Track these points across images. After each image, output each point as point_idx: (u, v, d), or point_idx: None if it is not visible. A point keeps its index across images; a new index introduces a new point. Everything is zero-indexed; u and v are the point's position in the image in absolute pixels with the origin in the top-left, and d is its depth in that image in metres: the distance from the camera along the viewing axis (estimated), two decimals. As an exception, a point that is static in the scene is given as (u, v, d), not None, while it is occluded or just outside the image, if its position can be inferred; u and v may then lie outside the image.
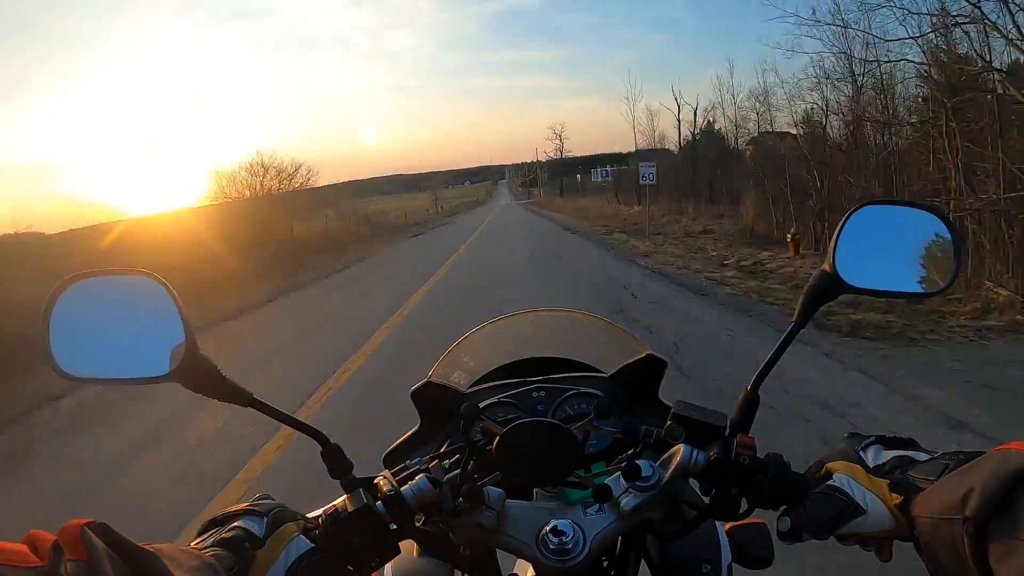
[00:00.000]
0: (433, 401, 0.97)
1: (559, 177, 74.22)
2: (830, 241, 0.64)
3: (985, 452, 0.49)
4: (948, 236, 0.64)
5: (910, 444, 0.61)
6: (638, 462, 0.64)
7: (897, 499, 0.55)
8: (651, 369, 0.98)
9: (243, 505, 0.62)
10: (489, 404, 0.95)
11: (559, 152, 66.47)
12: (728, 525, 0.84)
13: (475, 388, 1.03)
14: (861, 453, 0.61)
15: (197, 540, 0.57)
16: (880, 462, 0.59)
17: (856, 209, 0.65)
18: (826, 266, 0.64)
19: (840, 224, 0.64)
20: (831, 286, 0.64)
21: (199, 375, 0.60)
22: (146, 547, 0.44)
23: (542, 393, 0.97)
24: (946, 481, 0.50)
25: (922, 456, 0.58)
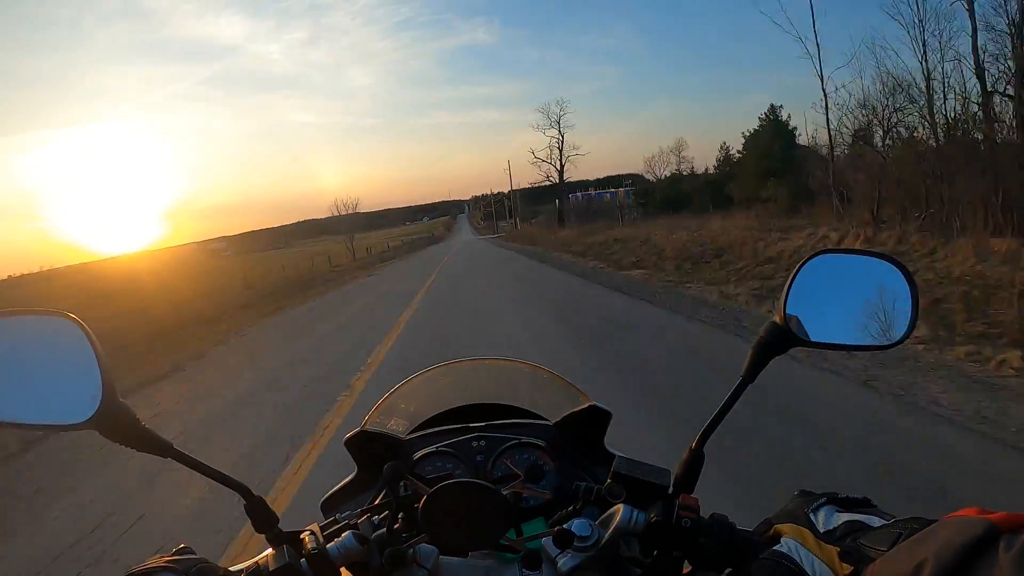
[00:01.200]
0: (369, 449, 0.95)
1: (529, 206, 67.85)
2: (781, 292, 0.62)
3: (938, 520, 0.48)
4: (905, 284, 0.63)
5: (864, 504, 0.59)
6: (574, 524, 0.63)
7: (847, 569, 0.53)
8: (595, 418, 0.97)
9: (162, 560, 0.59)
10: (426, 454, 0.93)
11: (555, 175, 49.87)
12: None
13: (414, 435, 1.00)
14: (811, 516, 0.59)
15: None
16: (831, 526, 0.57)
17: (809, 259, 0.64)
18: (776, 318, 0.62)
19: (792, 274, 0.63)
20: (781, 339, 0.62)
21: (117, 424, 0.59)
22: None
23: (482, 443, 0.95)
24: (898, 551, 0.48)
25: (875, 521, 0.56)
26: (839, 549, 0.54)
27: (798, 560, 0.55)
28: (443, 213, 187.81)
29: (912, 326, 0.62)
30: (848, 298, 0.64)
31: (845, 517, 0.57)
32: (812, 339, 0.62)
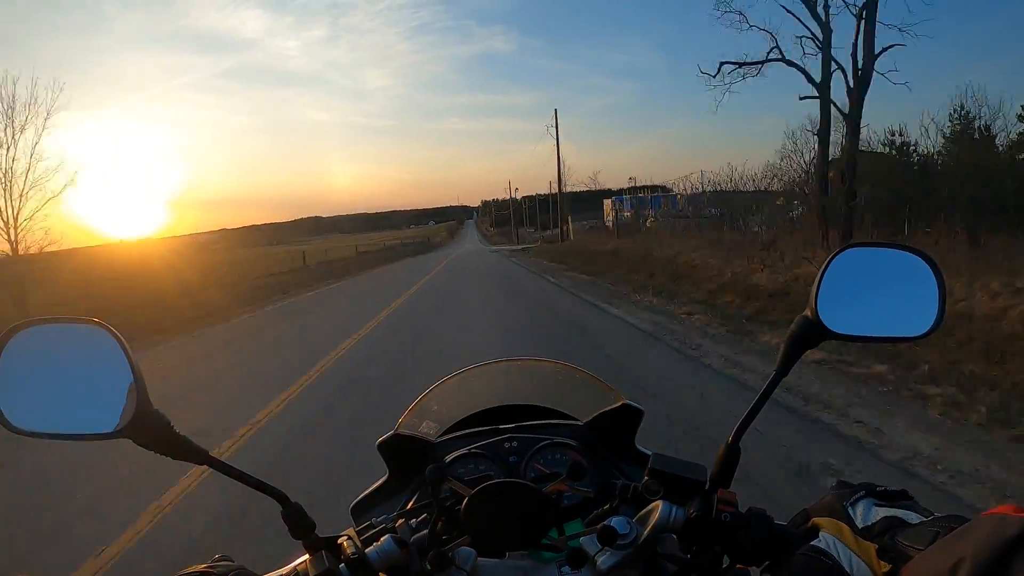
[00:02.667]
0: (401, 452, 0.97)
1: (547, 213, 56.70)
2: (812, 286, 0.65)
3: (975, 518, 0.49)
4: (932, 276, 0.65)
5: (901, 496, 0.61)
6: (614, 522, 0.63)
7: (885, 567, 0.54)
8: (627, 417, 0.98)
9: (201, 567, 0.61)
10: (458, 456, 0.95)
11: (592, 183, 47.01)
12: None
13: (445, 438, 1.02)
14: (850, 509, 0.61)
15: None
16: (869, 522, 0.59)
17: (839, 252, 0.66)
18: (808, 312, 0.64)
19: (822, 268, 0.65)
20: (813, 332, 0.64)
21: (151, 431, 0.59)
22: None
23: (514, 444, 0.96)
24: (935, 549, 0.50)
25: (913, 517, 0.57)
26: (877, 546, 0.56)
27: (836, 556, 0.57)
28: (450, 218, 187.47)
29: (941, 317, 0.64)
30: (877, 290, 0.66)
31: (883, 512, 0.59)
32: (842, 332, 0.64)
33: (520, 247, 42.14)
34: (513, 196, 75.10)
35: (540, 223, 66.29)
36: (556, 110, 42.91)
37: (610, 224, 42.85)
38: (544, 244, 39.15)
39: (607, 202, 49.89)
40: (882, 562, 0.55)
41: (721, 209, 23.06)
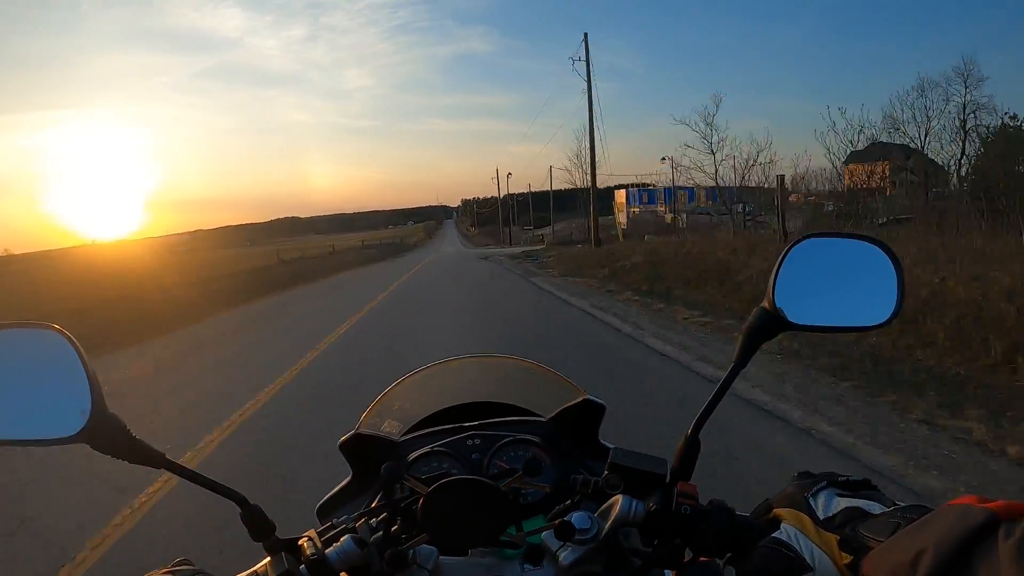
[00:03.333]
0: (363, 452, 0.97)
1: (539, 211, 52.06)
2: (770, 276, 0.65)
3: (937, 509, 0.49)
4: (891, 266, 0.65)
5: (864, 485, 0.61)
6: (573, 517, 0.64)
7: (847, 558, 0.55)
8: (589, 413, 0.99)
9: (161, 571, 0.62)
10: (421, 455, 0.95)
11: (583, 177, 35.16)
12: (675, 572, 0.84)
13: (408, 436, 1.03)
14: (811, 500, 0.61)
15: None
16: (830, 512, 0.59)
17: (796, 242, 0.66)
18: (765, 303, 0.65)
19: (779, 258, 0.65)
20: (771, 323, 0.64)
21: (108, 436, 0.60)
22: None
23: (477, 441, 0.97)
24: (897, 540, 0.50)
25: (875, 507, 0.58)
26: (839, 537, 0.56)
27: (797, 548, 0.57)
28: (430, 217, 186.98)
29: (899, 306, 0.65)
30: (835, 281, 0.67)
31: (845, 503, 0.59)
32: (800, 322, 0.64)
33: (520, 251, 31.81)
34: (502, 189, 64.12)
35: (532, 221, 60.93)
36: (586, 34, 27.87)
37: (624, 223, 38.94)
38: (559, 248, 30.42)
39: (619, 195, 44.93)
40: (844, 553, 0.55)
41: (747, 204, 22.24)
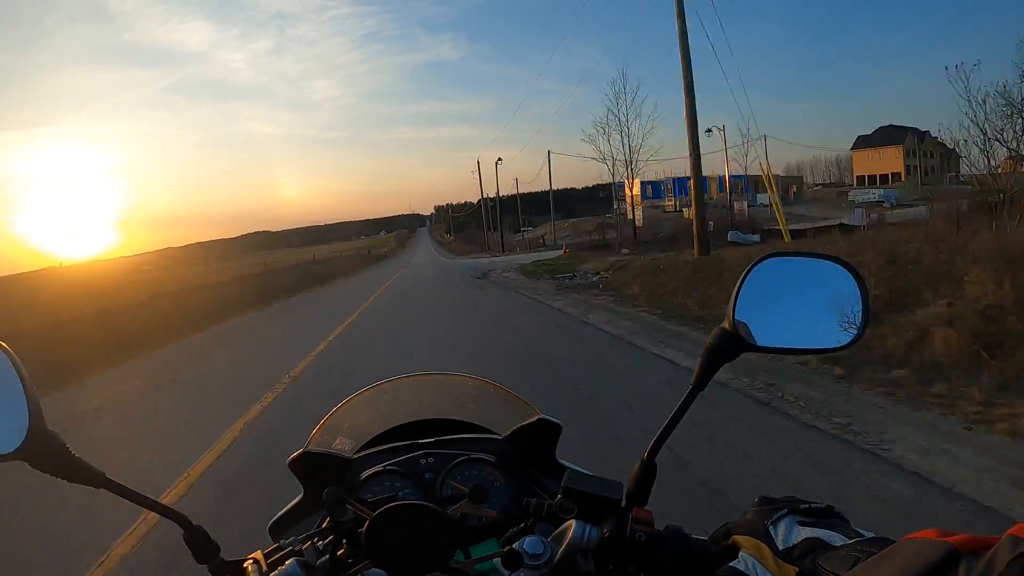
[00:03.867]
0: (314, 469, 0.96)
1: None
2: (729, 297, 0.64)
3: (896, 543, 0.48)
4: (855, 286, 0.65)
5: (827, 513, 0.60)
6: (525, 542, 0.63)
7: None
8: (545, 432, 0.99)
9: None
10: (373, 474, 0.94)
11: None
12: None
13: (361, 453, 1.02)
14: (771, 529, 0.60)
15: None
16: (790, 543, 0.58)
17: (757, 263, 0.65)
18: (726, 323, 0.64)
19: (740, 279, 0.64)
20: (730, 345, 0.64)
21: (46, 453, 0.60)
22: None
23: (431, 460, 0.96)
24: (856, 574, 0.49)
25: (836, 539, 0.57)
26: (798, 569, 0.55)
27: None
28: (403, 227, 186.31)
29: (864, 327, 0.64)
30: (798, 301, 0.66)
31: (805, 533, 0.58)
32: (761, 344, 0.64)
33: (530, 261, 22.03)
34: (481, 190, 53.24)
35: (520, 223, 54.59)
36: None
37: (640, 221, 34.08)
38: (597, 256, 20.48)
39: (633, 187, 36.96)
40: None
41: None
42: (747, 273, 0.64)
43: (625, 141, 28.48)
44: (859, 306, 0.64)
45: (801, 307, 0.66)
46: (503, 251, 39.84)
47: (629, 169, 27.52)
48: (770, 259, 0.66)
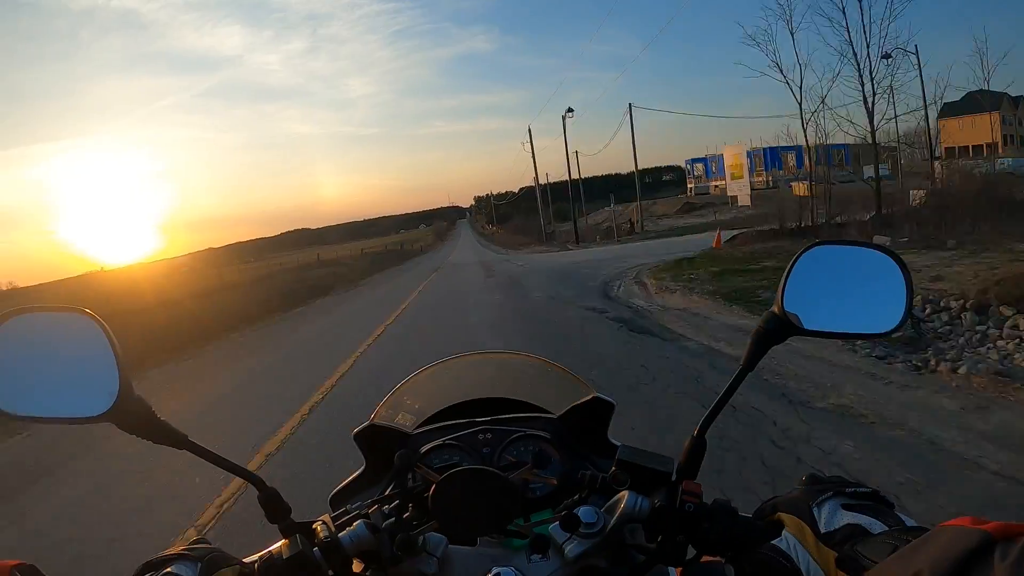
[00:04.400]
0: (377, 443, 1.02)
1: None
2: (779, 283, 0.68)
3: (932, 530, 0.50)
4: (899, 274, 0.68)
5: (871, 497, 0.63)
6: (579, 510, 0.67)
7: (842, 575, 0.56)
8: (599, 410, 1.03)
9: (177, 549, 0.64)
10: (432, 447, 1.00)
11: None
12: (679, 569, 0.87)
13: (421, 429, 1.08)
14: (815, 510, 0.62)
15: None
16: (832, 527, 0.60)
17: (805, 250, 0.69)
18: (775, 308, 0.67)
19: (789, 265, 0.68)
20: (780, 328, 0.67)
21: (133, 417, 0.64)
22: None
23: (488, 435, 1.01)
24: (893, 561, 0.51)
25: (876, 526, 0.59)
26: (837, 555, 0.58)
27: (795, 559, 0.60)
28: (443, 219, 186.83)
29: (907, 314, 0.67)
30: (844, 288, 0.69)
31: (848, 518, 0.60)
32: (809, 327, 0.67)
33: (659, 258, 14.97)
34: (521, 180, 50.00)
35: (553, 213, 46.64)
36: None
37: (747, 197, 27.66)
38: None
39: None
40: (840, 571, 0.57)
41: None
42: (795, 261, 0.68)
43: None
44: (903, 293, 0.67)
45: (847, 293, 0.69)
46: (577, 242, 31.61)
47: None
48: (817, 247, 0.69)
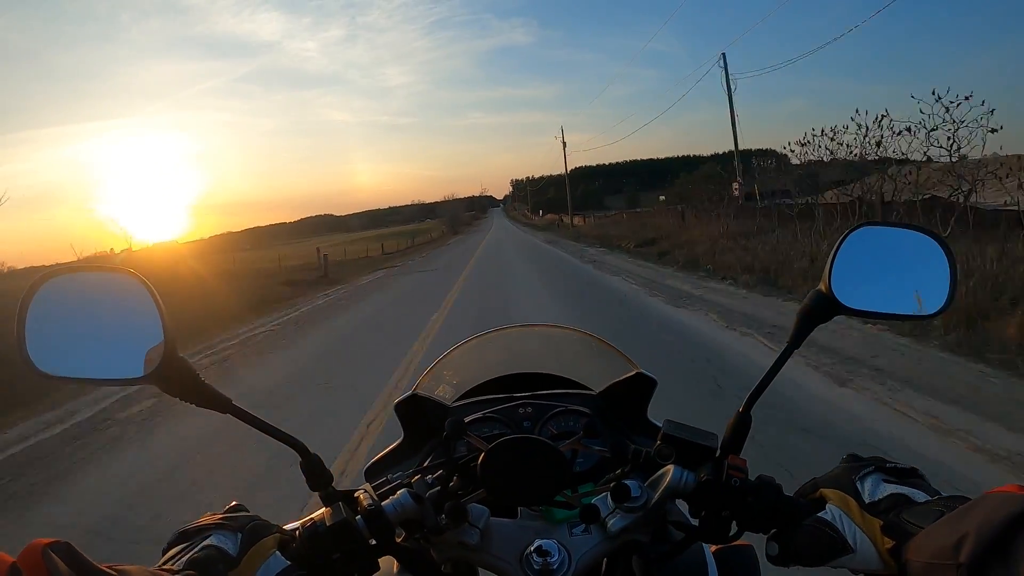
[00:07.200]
0: (417, 414, 1.06)
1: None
2: (827, 261, 0.72)
3: (979, 496, 0.54)
4: (944, 257, 0.72)
5: (911, 473, 0.67)
6: (627, 482, 0.69)
7: (889, 543, 0.59)
8: (640, 387, 1.06)
9: (216, 517, 0.65)
10: (474, 419, 1.03)
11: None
12: (715, 548, 0.92)
13: (460, 403, 1.12)
14: (858, 484, 0.66)
15: (165, 558, 0.60)
16: (876, 498, 0.64)
17: (852, 230, 0.73)
18: (821, 286, 0.71)
19: (836, 245, 0.72)
20: (826, 307, 0.71)
21: (177, 379, 0.66)
22: (111, 568, 0.49)
23: (528, 410, 1.05)
24: (940, 525, 0.54)
25: (920, 496, 0.63)
26: (882, 522, 0.61)
27: (840, 529, 0.62)
28: (471, 207, 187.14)
29: (951, 297, 0.71)
30: (890, 269, 0.74)
31: (891, 489, 0.64)
32: (854, 307, 0.70)
33: None
34: (557, 165, 48.85)
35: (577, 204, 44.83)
36: None
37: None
38: None
39: None
40: (886, 538, 0.60)
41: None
42: (843, 240, 0.71)
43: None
44: (947, 275, 0.71)
45: (892, 275, 0.73)
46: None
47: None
48: (864, 227, 0.73)
